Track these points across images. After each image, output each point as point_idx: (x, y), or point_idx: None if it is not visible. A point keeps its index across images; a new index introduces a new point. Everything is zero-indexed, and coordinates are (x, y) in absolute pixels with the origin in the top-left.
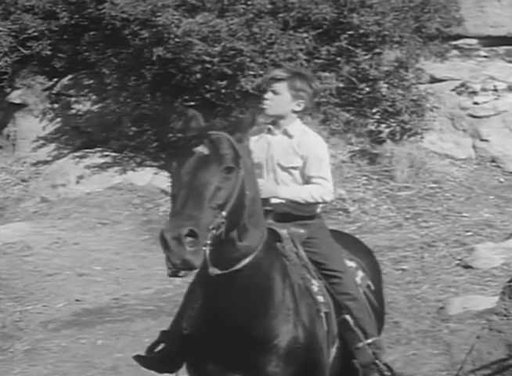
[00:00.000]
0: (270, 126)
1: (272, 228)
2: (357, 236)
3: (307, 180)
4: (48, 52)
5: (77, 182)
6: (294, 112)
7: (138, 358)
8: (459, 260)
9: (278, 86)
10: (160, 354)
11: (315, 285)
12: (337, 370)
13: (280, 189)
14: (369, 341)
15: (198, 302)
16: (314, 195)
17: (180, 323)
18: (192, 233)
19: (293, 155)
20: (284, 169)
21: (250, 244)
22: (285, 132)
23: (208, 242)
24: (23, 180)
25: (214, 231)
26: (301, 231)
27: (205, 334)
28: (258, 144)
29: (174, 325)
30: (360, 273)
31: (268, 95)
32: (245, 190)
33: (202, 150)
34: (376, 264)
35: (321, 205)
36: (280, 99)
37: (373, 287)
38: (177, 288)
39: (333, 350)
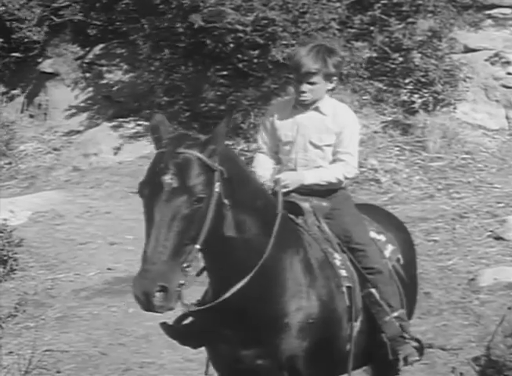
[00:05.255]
0: (297, 105)
1: (293, 201)
2: (388, 207)
3: (334, 154)
4: (81, 18)
5: (110, 152)
6: (327, 90)
7: (164, 326)
8: (491, 231)
9: (314, 79)
10: (186, 327)
11: (338, 259)
12: (363, 344)
13: (304, 176)
14: (396, 314)
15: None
16: (337, 176)
17: (205, 298)
18: (163, 289)
19: (327, 133)
20: (317, 147)
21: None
22: (316, 109)
23: (182, 282)
24: (55, 149)
25: (188, 269)
26: (324, 204)
27: (218, 313)
28: (286, 121)
29: (202, 300)
30: (390, 247)
31: (306, 87)
32: (223, 200)
33: (170, 181)
34: (408, 238)
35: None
36: (317, 88)
37: (402, 261)
38: None
39: (357, 324)
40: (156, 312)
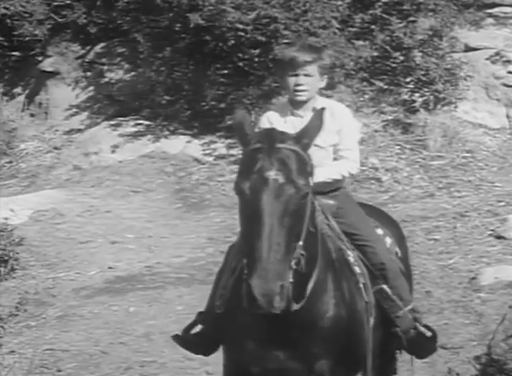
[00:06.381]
0: (294, 110)
1: None
2: (389, 206)
3: (335, 152)
4: (84, 21)
5: (110, 151)
6: (320, 89)
7: (175, 337)
8: (492, 230)
9: (310, 68)
10: (196, 336)
11: (351, 256)
12: (377, 339)
13: None
14: (409, 307)
15: (229, 281)
16: (342, 172)
17: (213, 303)
18: (282, 288)
19: (330, 133)
20: (321, 148)
21: None
22: (314, 111)
23: (291, 281)
24: (56, 148)
25: (295, 267)
26: (331, 202)
27: (244, 312)
28: (286, 129)
29: (209, 306)
30: (388, 240)
31: (303, 79)
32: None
33: (276, 176)
34: (400, 232)
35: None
36: (313, 80)
37: (400, 254)
38: (209, 257)
39: (371, 320)
40: (273, 312)
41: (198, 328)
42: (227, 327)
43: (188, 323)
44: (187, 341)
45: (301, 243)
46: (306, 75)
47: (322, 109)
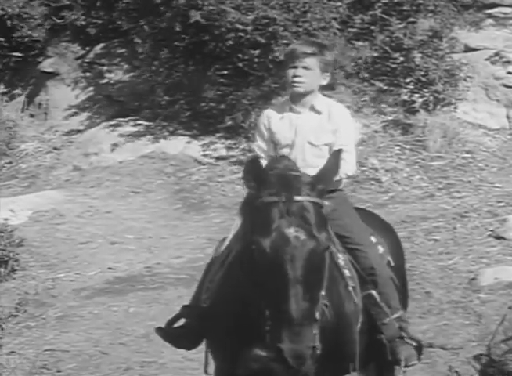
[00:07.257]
0: (292, 105)
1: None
2: (389, 207)
3: (331, 152)
4: (83, 22)
5: (110, 151)
6: (320, 86)
7: (158, 330)
8: (491, 231)
9: (309, 61)
10: (179, 330)
11: (341, 259)
12: (363, 345)
13: None
14: (396, 315)
15: (217, 275)
16: (339, 174)
17: (199, 296)
18: (313, 349)
19: (324, 132)
20: (315, 146)
21: None
22: (312, 109)
23: (315, 332)
24: (56, 148)
25: (319, 318)
26: (326, 203)
27: (228, 308)
28: (283, 124)
29: (195, 299)
30: (380, 248)
31: (301, 71)
32: None
33: (297, 233)
34: (396, 240)
35: (344, 180)
36: (312, 74)
37: (392, 263)
38: (208, 257)
39: (358, 324)
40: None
41: (182, 322)
42: (211, 321)
43: (171, 317)
44: (170, 334)
45: (323, 292)
46: (304, 68)
47: (340, 150)
